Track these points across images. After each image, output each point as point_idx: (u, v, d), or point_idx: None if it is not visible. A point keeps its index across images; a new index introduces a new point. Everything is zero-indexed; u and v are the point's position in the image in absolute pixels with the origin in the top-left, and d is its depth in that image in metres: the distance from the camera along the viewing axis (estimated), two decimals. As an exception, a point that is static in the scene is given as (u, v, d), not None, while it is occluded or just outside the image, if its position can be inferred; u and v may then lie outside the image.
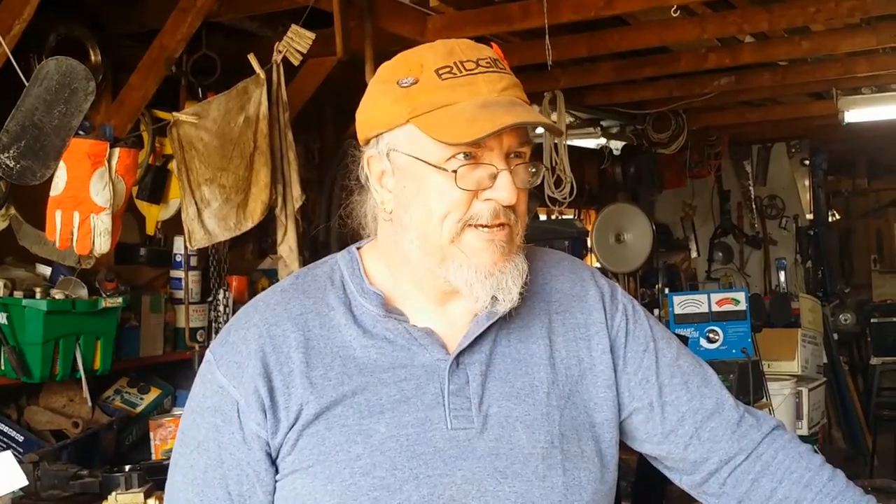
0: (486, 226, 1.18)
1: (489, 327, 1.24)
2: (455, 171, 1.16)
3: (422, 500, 1.16)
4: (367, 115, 1.24)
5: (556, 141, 4.99)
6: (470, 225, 1.18)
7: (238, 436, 1.21)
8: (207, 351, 1.28)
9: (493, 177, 1.17)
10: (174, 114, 3.25)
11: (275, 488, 1.22)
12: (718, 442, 1.32)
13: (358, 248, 1.32)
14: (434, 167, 1.17)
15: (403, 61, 1.22)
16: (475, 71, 1.18)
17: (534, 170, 1.22)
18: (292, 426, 1.19)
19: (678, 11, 3.95)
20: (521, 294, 1.25)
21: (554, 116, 5.00)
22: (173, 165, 3.29)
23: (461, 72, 1.17)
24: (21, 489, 2.35)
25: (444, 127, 1.15)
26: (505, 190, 1.17)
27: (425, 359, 1.22)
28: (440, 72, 1.18)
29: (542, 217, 6.14)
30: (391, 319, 1.23)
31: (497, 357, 1.24)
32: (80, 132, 2.64)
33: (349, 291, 1.26)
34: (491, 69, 1.19)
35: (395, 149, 1.20)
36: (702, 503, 1.39)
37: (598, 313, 1.32)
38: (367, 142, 1.24)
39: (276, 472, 1.22)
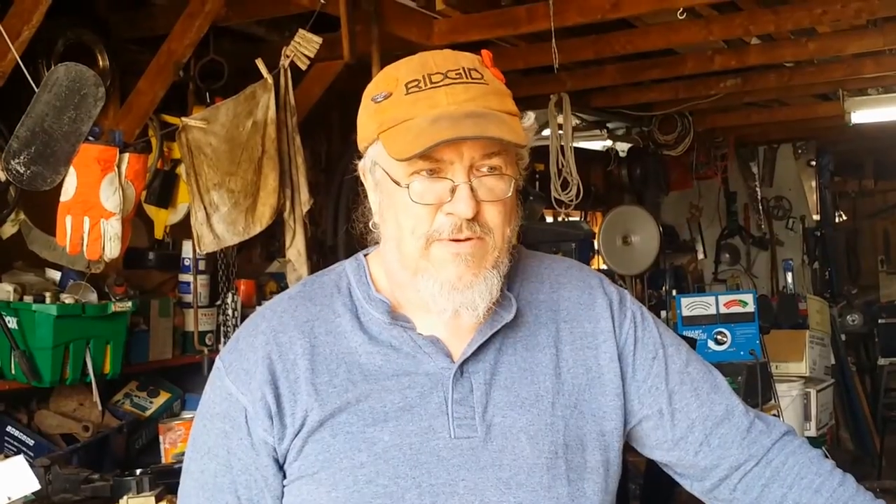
0: (453, 240, 1.17)
1: (495, 336, 1.25)
2: (409, 187, 1.17)
3: None
4: (357, 130, 1.26)
5: (562, 143, 5.00)
6: (437, 240, 1.18)
7: (246, 442, 1.22)
8: (217, 358, 1.29)
9: (453, 190, 1.17)
10: (183, 119, 3.26)
11: (283, 493, 1.23)
12: (728, 448, 1.32)
13: (365, 256, 1.33)
14: (396, 182, 1.18)
15: (383, 76, 1.23)
16: (440, 84, 1.17)
17: (510, 180, 1.19)
18: (298, 433, 1.20)
19: (684, 14, 3.96)
20: (520, 302, 1.26)
21: (560, 119, 5.01)
22: (182, 170, 3.30)
23: (426, 85, 1.18)
24: (33, 493, 2.36)
25: (396, 142, 1.16)
26: (462, 203, 1.16)
27: (430, 367, 1.22)
28: (409, 86, 1.18)
29: (549, 219, 6.15)
30: (397, 327, 1.24)
31: (502, 366, 1.25)
32: (90, 138, 2.65)
33: (356, 298, 1.27)
34: (458, 80, 1.18)
35: (376, 162, 1.23)
36: (711, 507, 1.39)
37: (606, 321, 1.32)
38: (362, 154, 1.27)
39: (284, 477, 1.23)
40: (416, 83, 1.18)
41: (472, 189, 1.17)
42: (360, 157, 1.28)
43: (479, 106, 1.17)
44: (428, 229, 1.18)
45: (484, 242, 1.19)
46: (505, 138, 1.15)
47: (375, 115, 1.20)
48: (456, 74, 1.18)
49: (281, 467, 1.23)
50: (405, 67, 1.21)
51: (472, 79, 1.19)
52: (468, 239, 1.18)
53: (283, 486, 1.23)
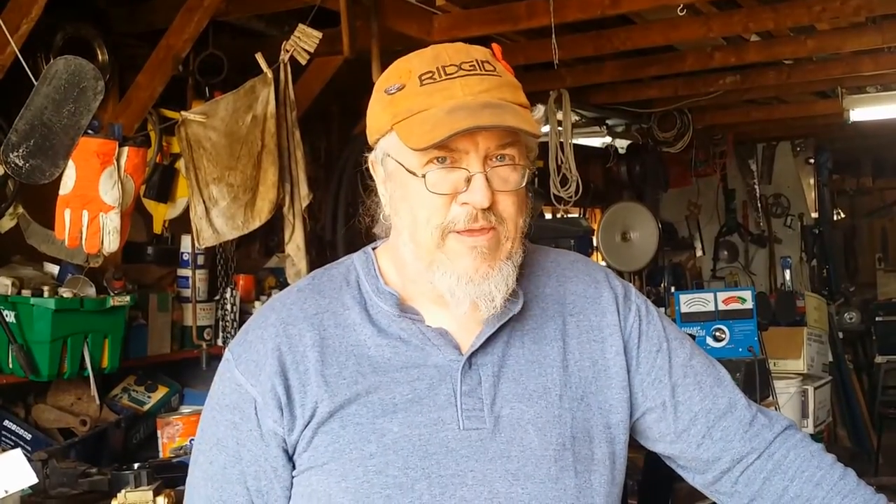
0: (468, 231, 1.18)
1: (503, 329, 1.25)
2: (424, 177, 1.17)
3: (433, 499, 1.17)
4: (368, 121, 1.27)
5: (561, 140, 5.00)
6: (452, 231, 1.18)
7: (256, 433, 1.23)
8: (226, 349, 1.30)
9: (468, 180, 1.17)
10: (182, 113, 3.26)
11: (292, 484, 1.24)
12: (731, 441, 1.33)
13: (374, 249, 1.33)
14: (411, 173, 1.19)
15: (395, 68, 1.24)
16: (455, 75, 1.19)
17: (523, 171, 1.21)
18: (307, 424, 1.21)
19: (684, 10, 3.95)
20: (527, 296, 1.27)
21: (559, 115, 5.00)
22: (181, 164, 3.30)
23: (441, 77, 1.19)
24: (30, 487, 2.36)
25: (412, 132, 1.17)
26: (478, 192, 1.17)
27: (438, 359, 1.23)
28: (422, 77, 1.19)
29: (548, 216, 6.14)
30: (406, 319, 1.25)
31: (510, 358, 1.25)
32: (89, 131, 2.65)
33: (364, 291, 1.28)
34: (473, 72, 1.19)
35: (388, 154, 1.23)
36: (711, 501, 1.39)
37: (612, 315, 1.33)
38: (373, 146, 1.27)
39: (293, 468, 1.23)
40: (431, 75, 1.19)
41: (487, 179, 1.17)
42: (369, 149, 1.28)
43: (494, 97, 1.18)
44: (443, 220, 1.18)
45: (497, 234, 1.20)
46: (522, 128, 1.17)
47: (389, 107, 1.21)
48: (470, 66, 1.20)
49: (290, 458, 1.23)
50: (417, 59, 1.22)
51: (486, 71, 1.20)
52: (483, 229, 1.18)
53: (293, 477, 1.24)
